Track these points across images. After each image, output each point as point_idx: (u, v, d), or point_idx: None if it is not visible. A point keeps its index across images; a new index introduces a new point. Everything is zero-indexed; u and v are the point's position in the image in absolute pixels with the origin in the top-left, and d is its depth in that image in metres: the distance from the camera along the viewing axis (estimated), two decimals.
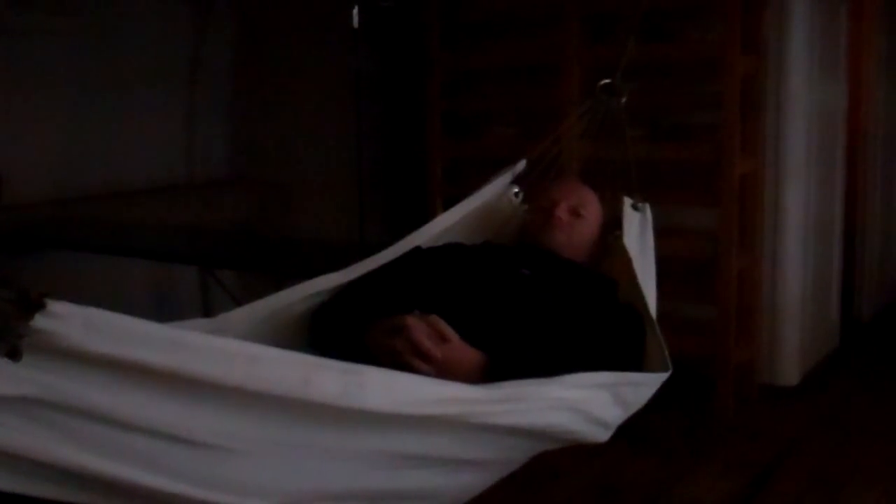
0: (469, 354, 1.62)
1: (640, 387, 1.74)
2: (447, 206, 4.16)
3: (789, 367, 4.04)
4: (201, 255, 3.60)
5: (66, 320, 1.09)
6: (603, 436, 1.72)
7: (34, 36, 3.86)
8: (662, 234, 2.23)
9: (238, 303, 3.80)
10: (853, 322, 4.89)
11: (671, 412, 3.56)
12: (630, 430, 1.77)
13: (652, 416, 1.81)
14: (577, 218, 2.12)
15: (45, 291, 1.05)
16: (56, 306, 1.07)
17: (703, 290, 3.76)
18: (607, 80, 2.30)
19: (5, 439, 1.10)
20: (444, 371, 1.57)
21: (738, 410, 3.75)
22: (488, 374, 1.59)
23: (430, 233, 2.15)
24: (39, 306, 1.05)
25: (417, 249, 2.06)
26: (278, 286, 3.25)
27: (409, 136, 4.64)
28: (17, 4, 3.74)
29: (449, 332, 1.62)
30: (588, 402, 1.63)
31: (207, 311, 4.21)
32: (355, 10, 4.03)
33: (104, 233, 3.78)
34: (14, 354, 1.05)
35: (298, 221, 4.69)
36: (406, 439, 1.43)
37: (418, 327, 1.60)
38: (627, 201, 2.20)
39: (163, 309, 4.21)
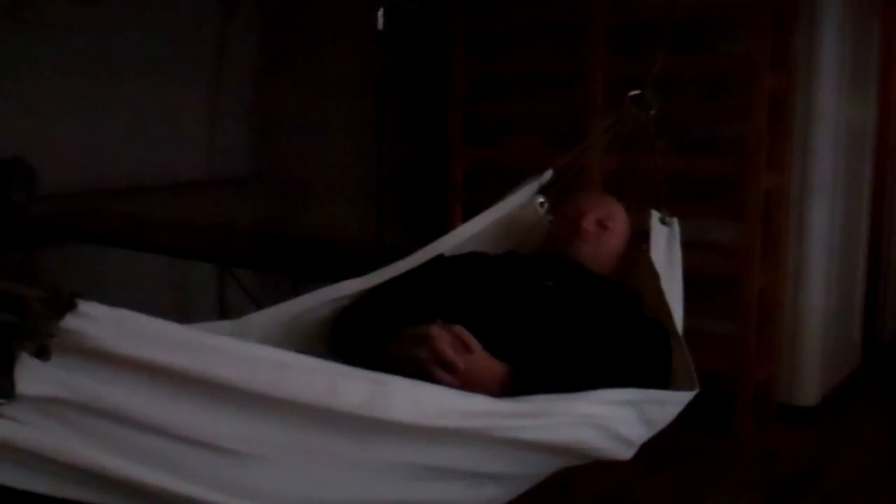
0: (492, 366, 1.60)
1: (666, 405, 1.72)
2: (466, 211, 4.21)
3: (809, 387, 3.99)
4: (219, 253, 3.60)
5: (96, 321, 1.08)
6: (627, 453, 1.70)
7: (60, 29, 3.87)
8: (684, 247, 2.19)
9: (254, 301, 3.82)
10: (875, 342, 4.84)
11: (687, 428, 3.51)
12: (644, 445, 1.75)
13: (667, 431, 1.79)
14: (604, 230, 2.09)
15: (77, 291, 1.04)
16: (87, 307, 1.06)
17: (723, 305, 3.72)
18: (637, 92, 2.27)
19: (30, 439, 1.09)
20: (467, 382, 1.55)
21: (756, 429, 3.71)
22: (511, 386, 1.57)
23: (454, 241, 2.14)
24: (70, 306, 1.04)
25: (441, 257, 2.05)
26: (295, 286, 3.25)
27: (430, 139, 4.63)
28: None
29: (472, 342, 1.60)
30: (612, 419, 1.60)
31: (224, 307, 4.21)
32: (380, 12, 4.03)
33: (124, 227, 3.78)
34: (43, 354, 1.04)
35: (317, 221, 4.68)
36: (429, 451, 1.42)
37: (442, 337, 1.58)
38: (655, 215, 2.16)
39: (179, 304, 4.22)
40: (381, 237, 4.02)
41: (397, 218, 4.46)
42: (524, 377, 1.58)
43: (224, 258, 3.68)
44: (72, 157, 3.92)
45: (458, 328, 1.60)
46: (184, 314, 4.11)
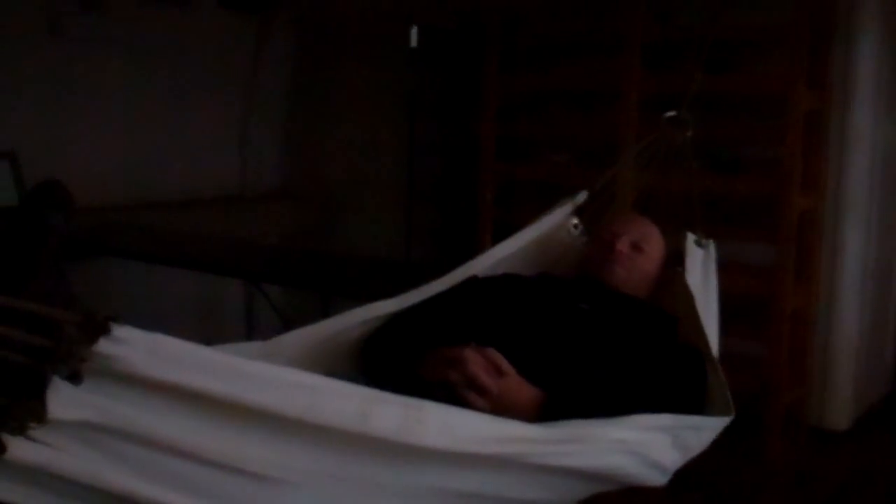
0: (525, 390, 1.58)
1: (702, 431, 1.70)
2: (497, 228, 4.19)
3: (840, 411, 3.94)
4: (248, 269, 3.60)
5: (130, 345, 1.07)
6: (661, 480, 1.68)
7: (96, 45, 3.90)
8: (717, 267, 2.17)
9: (283, 317, 3.82)
10: None
11: (716, 452, 3.46)
12: None
13: (696, 455, 1.76)
14: (639, 252, 2.06)
15: (111, 314, 1.03)
16: (121, 331, 1.06)
17: (755, 326, 3.68)
18: (673, 113, 2.24)
19: (61, 464, 1.08)
20: (499, 406, 1.53)
21: (786, 453, 3.66)
22: (545, 411, 1.55)
23: (488, 262, 2.11)
24: (104, 330, 1.03)
25: (474, 279, 2.02)
26: (324, 303, 3.25)
27: (461, 156, 4.62)
28: (80, 11, 3.78)
29: (506, 366, 1.58)
30: (647, 445, 1.58)
31: (251, 323, 4.22)
32: (414, 30, 4.04)
33: (154, 241, 3.79)
34: (75, 378, 1.04)
35: (347, 236, 4.69)
36: (462, 477, 1.40)
37: (475, 360, 1.56)
38: (691, 237, 2.13)
39: (208, 320, 4.22)
40: (411, 253, 4.01)
41: (428, 234, 4.46)
42: (557, 403, 1.56)
43: (253, 274, 3.67)
44: (103, 171, 3.95)
45: (491, 351, 1.59)
46: (212, 329, 4.12)
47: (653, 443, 1.59)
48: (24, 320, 1.02)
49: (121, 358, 1.07)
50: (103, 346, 1.05)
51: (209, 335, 4.01)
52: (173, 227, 3.99)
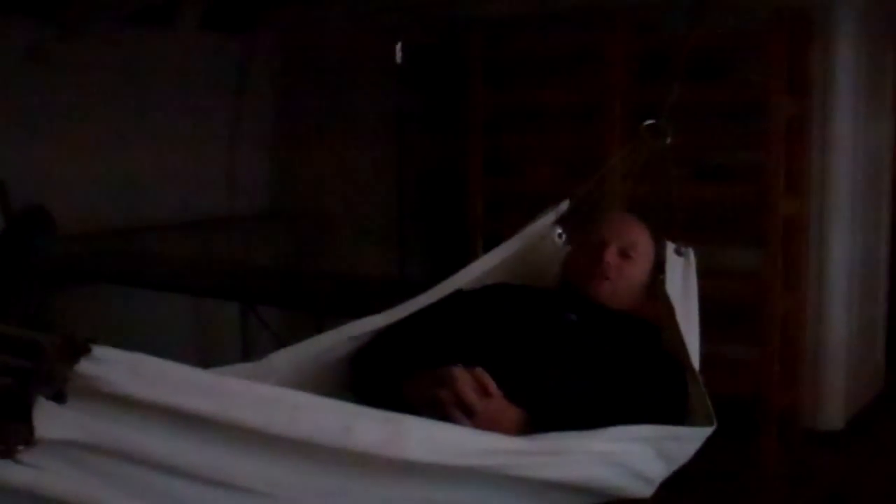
0: (508, 410, 1.58)
1: (684, 441, 1.70)
2: (487, 243, 4.20)
3: (834, 411, 3.97)
4: (242, 292, 3.60)
5: (110, 365, 1.09)
6: (646, 491, 1.68)
7: (79, 69, 3.92)
8: (705, 274, 2.14)
9: (277, 338, 3.83)
10: None
11: (711, 455, 3.47)
12: None
13: (691, 458, 1.77)
14: (626, 260, 2.00)
15: (91, 336, 1.05)
16: (101, 351, 1.07)
17: (746, 331, 3.71)
18: (652, 121, 2.25)
19: (47, 484, 1.10)
20: (483, 426, 1.53)
21: (781, 455, 3.67)
22: (526, 432, 1.54)
23: (472, 274, 2.10)
24: (84, 351, 1.05)
25: (459, 292, 2.02)
26: (318, 322, 3.25)
27: (450, 172, 4.64)
28: (60, 36, 3.80)
29: (491, 386, 1.57)
30: (630, 457, 1.59)
31: (247, 345, 4.22)
32: (398, 47, 4.06)
33: (145, 266, 3.80)
34: (59, 398, 1.05)
35: (339, 256, 4.70)
36: (446, 490, 1.42)
37: (463, 378, 1.56)
38: (670, 246, 2.09)
39: (203, 343, 4.23)
40: (404, 270, 4.02)
41: (420, 251, 4.47)
42: (540, 424, 1.56)
43: (247, 296, 3.68)
44: (89, 196, 3.96)
45: (479, 371, 1.58)
46: (207, 353, 4.13)
47: (635, 454, 1.60)
48: (6, 344, 1.04)
49: (103, 378, 1.08)
50: (84, 366, 1.06)
51: (205, 358, 4.01)
52: (163, 250, 4.00)
